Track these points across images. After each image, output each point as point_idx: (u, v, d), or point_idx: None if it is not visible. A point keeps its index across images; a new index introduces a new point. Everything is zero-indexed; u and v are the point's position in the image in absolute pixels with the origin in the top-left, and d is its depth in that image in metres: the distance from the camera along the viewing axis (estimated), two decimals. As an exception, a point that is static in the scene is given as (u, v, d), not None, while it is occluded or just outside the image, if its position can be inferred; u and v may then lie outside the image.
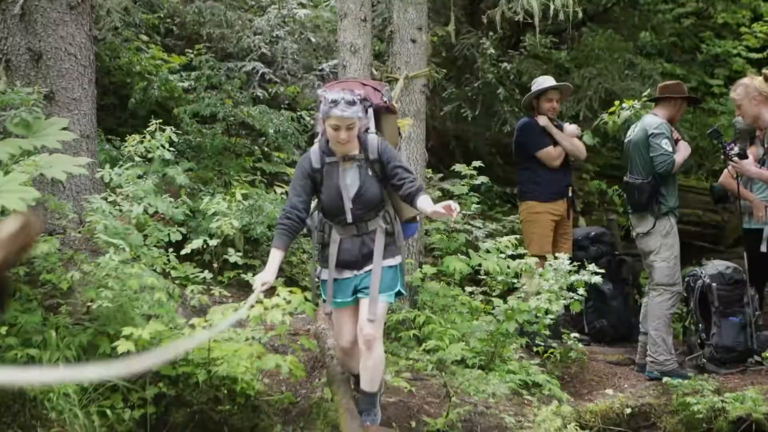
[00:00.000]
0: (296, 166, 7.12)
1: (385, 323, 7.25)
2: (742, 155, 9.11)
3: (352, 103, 6.52)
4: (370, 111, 6.92)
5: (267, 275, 6.74)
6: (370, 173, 6.82)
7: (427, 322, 8.91)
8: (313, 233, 7.21)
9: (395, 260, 6.94)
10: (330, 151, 6.84)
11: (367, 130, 6.89)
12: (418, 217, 7.64)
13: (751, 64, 14.94)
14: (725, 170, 9.90)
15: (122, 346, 7.07)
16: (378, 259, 6.77)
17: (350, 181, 6.81)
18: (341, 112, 6.49)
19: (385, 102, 7.10)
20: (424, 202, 6.61)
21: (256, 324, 7.71)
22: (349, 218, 6.82)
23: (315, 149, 6.98)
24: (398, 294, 7.09)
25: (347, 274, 6.94)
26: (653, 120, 9.56)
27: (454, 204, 6.43)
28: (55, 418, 7.07)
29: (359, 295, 6.87)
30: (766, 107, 8.73)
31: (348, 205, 6.79)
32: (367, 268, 6.84)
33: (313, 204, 7.14)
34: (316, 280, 7.20)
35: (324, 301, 7.20)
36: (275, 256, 6.82)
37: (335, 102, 6.50)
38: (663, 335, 9.51)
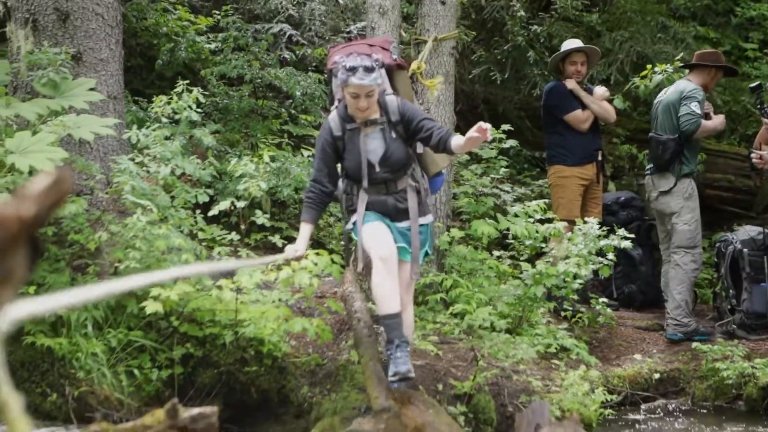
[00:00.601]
0: (317, 137, 7.01)
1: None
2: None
3: (371, 70, 6.38)
4: (383, 70, 6.77)
5: (299, 246, 6.76)
6: (394, 135, 6.69)
7: (455, 285, 8.90)
8: (341, 200, 7.09)
9: (426, 219, 6.88)
10: (350, 118, 6.71)
11: (384, 92, 6.78)
12: (444, 173, 7.62)
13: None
14: (759, 132, 9.84)
15: (150, 306, 7.08)
16: (414, 217, 6.70)
17: (375, 146, 6.71)
18: (360, 81, 6.34)
19: (395, 59, 7.01)
20: (458, 141, 6.46)
21: (284, 287, 7.70)
22: (372, 176, 6.68)
23: (334, 116, 6.83)
24: (425, 255, 7.02)
25: (380, 216, 6.78)
26: (688, 84, 9.55)
27: (485, 124, 6.23)
28: (83, 378, 7.09)
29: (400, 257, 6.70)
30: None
31: (376, 169, 6.68)
32: (400, 224, 6.76)
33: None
34: (349, 228, 6.96)
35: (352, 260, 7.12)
36: (304, 230, 6.83)
37: (354, 69, 6.34)
38: (686, 298, 9.54)
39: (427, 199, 6.94)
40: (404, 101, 6.80)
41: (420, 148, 6.91)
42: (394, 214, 6.76)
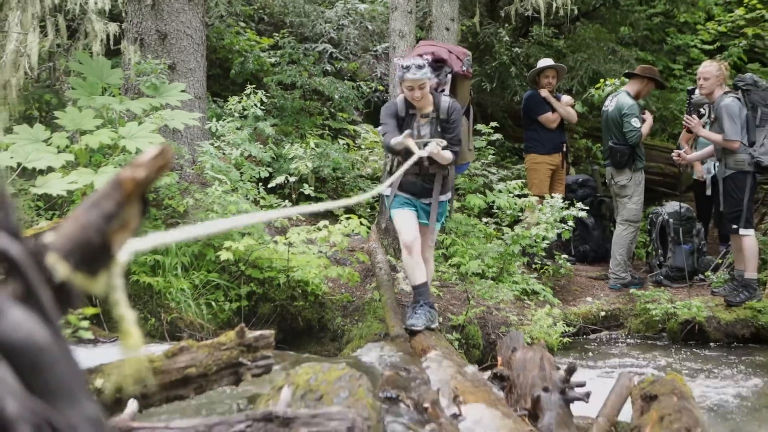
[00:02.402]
0: (383, 109, 6.65)
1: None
2: (699, 116, 9.14)
3: (421, 67, 6.19)
4: (449, 76, 6.64)
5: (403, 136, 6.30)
6: (439, 129, 6.46)
7: (453, 243, 8.94)
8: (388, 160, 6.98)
9: (446, 196, 6.72)
10: (411, 105, 6.47)
11: (442, 90, 6.60)
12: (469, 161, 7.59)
13: (704, 54, 14.74)
14: (682, 133, 9.91)
15: (223, 255, 7.11)
16: (436, 196, 6.53)
17: (424, 134, 6.48)
18: (412, 75, 6.18)
19: (464, 70, 6.74)
20: (446, 154, 6.33)
21: (323, 242, 7.72)
22: (426, 162, 6.36)
23: (401, 99, 6.54)
24: (441, 224, 6.97)
25: (410, 197, 6.59)
26: (625, 101, 9.56)
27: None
28: (174, 307, 7.13)
29: (421, 221, 6.62)
30: (719, 87, 8.64)
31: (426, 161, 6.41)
32: (424, 200, 6.61)
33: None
34: (384, 191, 6.72)
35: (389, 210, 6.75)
36: (407, 141, 6.29)
37: (407, 68, 6.19)
38: (624, 258, 9.63)
39: (451, 183, 6.77)
40: (456, 105, 6.50)
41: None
42: (420, 193, 6.58)
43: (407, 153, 6.21)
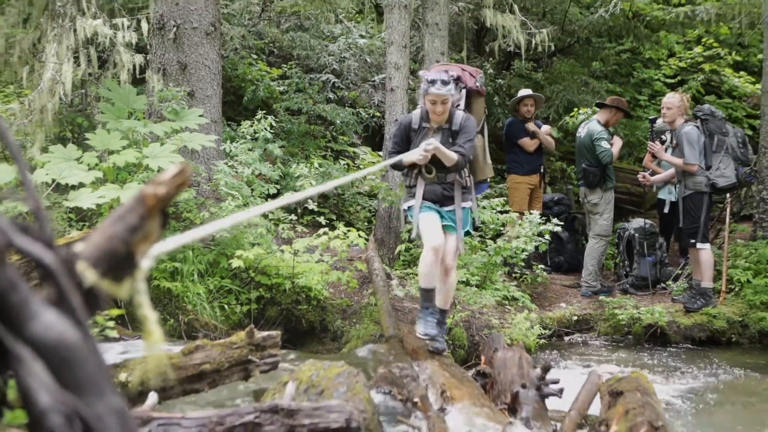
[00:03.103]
0: (396, 124, 6.27)
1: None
2: (662, 142, 9.17)
3: (446, 83, 5.80)
4: (464, 91, 6.19)
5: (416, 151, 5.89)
6: (451, 140, 5.99)
7: (441, 254, 8.93)
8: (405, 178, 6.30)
9: (467, 204, 6.16)
10: (427, 119, 6.02)
11: (457, 106, 6.14)
12: (488, 182, 7.47)
13: (667, 86, 14.80)
14: (646, 156, 9.94)
15: (235, 262, 7.11)
16: (458, 203, 6.08)
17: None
18: (437, 90, 5.79)
19: (477, 86, 6.33)
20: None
21: (324, 247, 7.73)
22: (430, 166, 5.98)
23: (416, 113, 6.12)
24: (467, 233, 6.34)
25: (431, 204, 6.08)
26: (595, 128, 9.60)
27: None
28: (191, 309, 7.12)
29: (444, 228, 6.06)
30: (681, 116, 8.68)
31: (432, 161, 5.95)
32: (446, 208, 6.10)
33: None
34: (405, 207, 6.26)
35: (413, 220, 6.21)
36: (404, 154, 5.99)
37: (433, 82, 5.80)
38: (595, 268, 9.61)
39: (471, 194, 6.25)
40: (470, 119, 6.09)
41: (470, 156, 6.18)
42: (442, 201, 6.08)
43: (412, 166, 6.02)
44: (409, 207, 6.18)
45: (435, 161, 5.95)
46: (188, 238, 1.43)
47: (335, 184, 2.78)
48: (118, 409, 1.04)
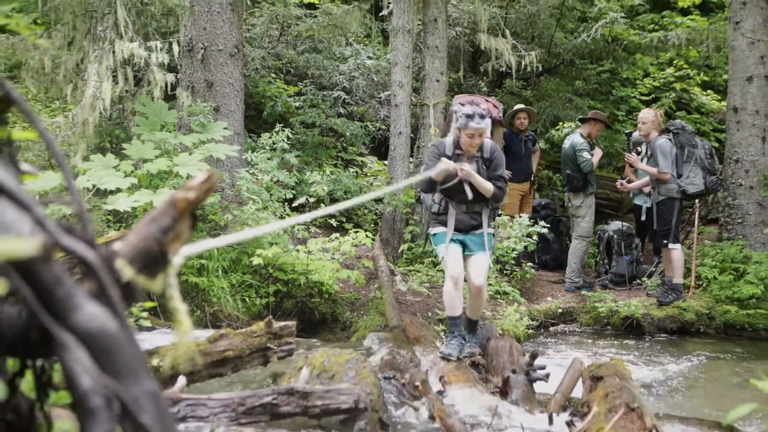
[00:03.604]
0: (428, 149, 5.82)
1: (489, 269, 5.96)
2: (638, 153, 9.13)
3: (483, 117, 5.47)
4: (490, 121, 5.77)
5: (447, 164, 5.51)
6: (484, 167, 5.64)
7: (440, 253, 8.91)
8: (428, 206, 5.96)
9: (491, 229, 5.86)
10: (459, 147, 5.65)
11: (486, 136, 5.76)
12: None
13: (642, 103, 14.76)
14: (627, 165, 9.91)
15: (255, 260, 7.12)
16: (486, 227, 5.72)
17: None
18: (477, 125, 5.43)
19: (499, 117, 6.03)
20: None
21: (335, 249, 7.72)
22: (470, 196, 5.59)
23: (450, 141, 5.71)
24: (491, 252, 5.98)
25: (456, 233, 5.70)
26: (577, 140, 9.58)
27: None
28: (215, 302, 7.13)
29: (470, 253, 5.73)
30: (655, 130, 8.68)
31: (468, 192, 5.58)
32: (472, 233, 5.74)
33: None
34: (432, 232, 5.87)
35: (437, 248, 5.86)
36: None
37: (471, 116, 5.44)
38: (578, 266, 9.56)
39: (495, 216, 6.00)
40: (497, 148, 5.75)
41: (506, 190, 5.89)
42: (468, 229, 5.71)
43: (443, 183, 5.62)
44: (435, 233, 5.84)
45: (474, 193, 5.63)
46: (223, 242, 1.43)
47: (370, 197, 2.78)
48: (152, 392, 1.04)
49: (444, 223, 5.75)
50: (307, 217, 2.21)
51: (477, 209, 5.73)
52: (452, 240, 5.71)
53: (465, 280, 5.83)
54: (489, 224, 5.82)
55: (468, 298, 5.82)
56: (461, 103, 5.88)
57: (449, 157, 5.60)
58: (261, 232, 1.72)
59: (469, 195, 5.60)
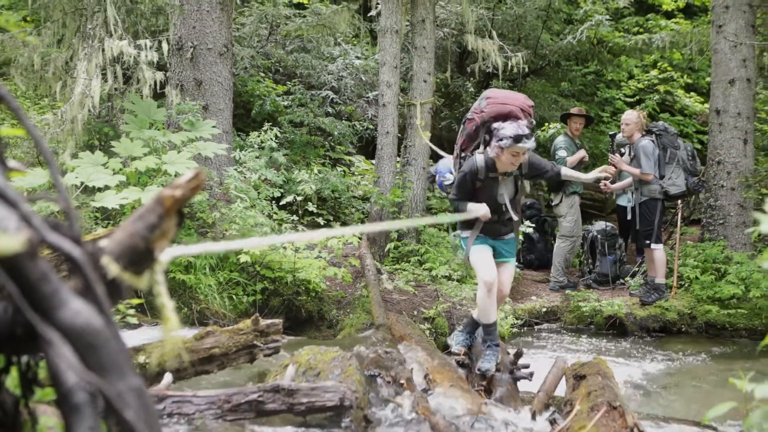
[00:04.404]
0: (461, 174, 5.30)
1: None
2: (621, 154, 9.16)
3: (530, 137, 5.06)
4: None
5: (482, 208, 5.22)
6: (521, 184, 5.37)
7: (426, 252, 8.91)
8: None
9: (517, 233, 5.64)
10: (493, 167, 5.20)
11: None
12: None
13: (626, 105, 14.83)
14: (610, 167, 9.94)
15: (243, 257, 7.11)
16: (516, 236, 5.55)
17: (506, 191, 5.31)
18: (524, 145, 5.02)
19: (533, 124, 5.31)
20: (568, 172, 5.57)
21: (322, 245, 7.72)
22: (499, 212, 5.32)
23: (480, 161, 5.22)
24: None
25: (485, 237, 5.38)
26: (559, 139, 9.73)
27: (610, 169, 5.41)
28: (203, 299, 7.10)
29: (500, 260, 5.45)
30: (638, 132, 8.72)
31: (509, 207, 5.32)
32: (503, 238, 5.45)
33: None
34: (461, 237, 5.55)
35: (458, 249, 5.74)
36: (470, 205, 5.27)
37: (518, 138, 5.01)
38: (562, 266, 9.59)
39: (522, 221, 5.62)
40: (532, 155, 5.37)
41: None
42: (498, 235, 5.40)
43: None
44: (465, 237, 5.51)
45: (514, 203, 5.39)
46: (219, 248, 1.43)
47: (425, 222, 2.78)
48: (137, 388, 1.04)
49: (472, 226, 5.42)
50: (353, 230, 2.21)
51: (506, 217, 5.41)
52: (484, 242, 5.41)
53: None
54: (516, 230, 5.60)
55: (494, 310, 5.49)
56: (501, 111, 5.28)
57: (481, 181, 5.24)
58: (278, 241, 1.71)
59: (514, 217, 5.39)
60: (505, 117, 5.20)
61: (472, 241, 5.39)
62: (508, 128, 5.07)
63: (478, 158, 5.24)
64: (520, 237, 8.70)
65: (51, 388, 1.06)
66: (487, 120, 5.27)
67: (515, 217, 5.42)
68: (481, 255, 5.36)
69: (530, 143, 5.07)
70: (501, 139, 5.06)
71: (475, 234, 5.37)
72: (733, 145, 9.39)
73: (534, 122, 5.43)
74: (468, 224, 5.43)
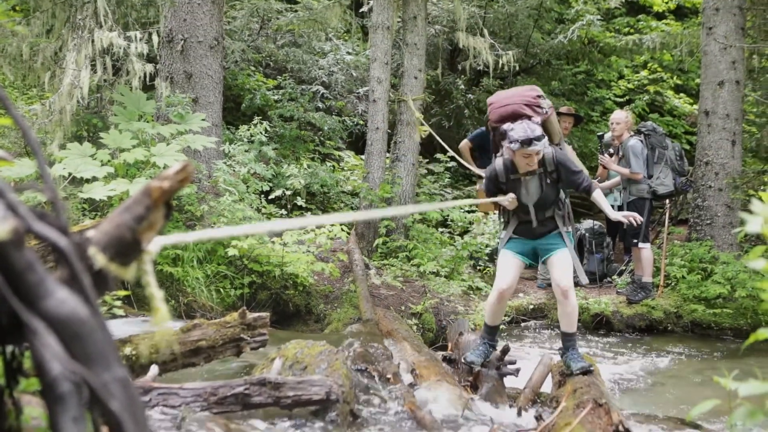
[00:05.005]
0: (487, 172, 5.25)
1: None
2: (610, 155, 9.17)
3: (539, 139, 4.88)
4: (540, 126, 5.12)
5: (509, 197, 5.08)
6: (548, 181, 5.05)
7: (415, 248, 8.91)
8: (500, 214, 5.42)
9: (569, 228, 5.17)
10: (513, 169, 5.07)
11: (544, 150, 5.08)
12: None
13: (616, 104, 14.87)
14: (600, 168, 9.94)
15: (231, 251, 7.10)
16: (562, 228, 5.08)
17: (532, 191, 5.06)
18: (533, 148, 4.86)
19: (546, 113, 5.24)
20: (598, 197, 5.16)
21: (311, 242, 7.70)
22: (534, 223, 5.10)
23: (500, 164, 5.13)
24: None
25: (523, 240, 5.19)
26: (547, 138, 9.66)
27: (634, 215, 5.15)
28: (190, 292, 7.08)
29: (548, 255, 5.13)
30: (627, 131, 8.75)
31: (532, 211, 5.08)
32: (544, 239, 5.14)
33: None
34: (499, 240, 5.38)
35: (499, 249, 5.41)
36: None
37: (527, 142, 4.85)
38: (550, 263, 9.60)
39: (571, 220, 5.24)
40: (558, 152, 5.13)
41: (591, 182, 5.24)
42: (538, 235, 5.14)
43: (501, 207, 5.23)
44: (502, 238, 5.33)
45: (540, 202, 5.11)
46: (205, 235, 1.43)
47: (426, 208, 2.77)
48: (123, 379, 1.04)
49: (506, 226, 5.27)
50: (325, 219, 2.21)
51: (546, 215, 5.14)
52: (517, 248, 5.21)
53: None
54: (567, 224, 5.20)
55: (557, 305, 5.23)
56: (504, 114, 5.22)
57: (504, 184, 5.12)
58: (261, 229, 1.69)
59: (534, 222, 5.12)
60: (511, 117, 5.13)
61: (504, 243, 5.23)
62: (516, 130, 4.94)
63: (498, 162, 5.17)
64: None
65: (36, 379, 1.05)
66: (494, 126, 5.24)
67: (551, 214, 5.13)
68: (504, 260, 5.22)
69: (540, 145, 4.90)
70: (511, 142, 4.94)
71: (509, 235, 5.21)
72: (721, 146, 9.43)
73: (547, 111, 5.29)
74: (505, 224, 5.30)
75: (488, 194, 5.27)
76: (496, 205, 5.35)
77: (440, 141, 9.58)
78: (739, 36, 9.42)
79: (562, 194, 5.19)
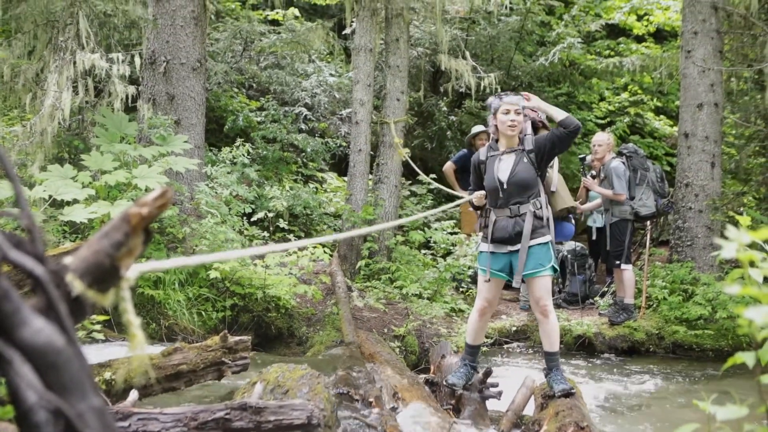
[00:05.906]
0: (471, 161, 5.36)
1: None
2: (593, 177, 9.23)
3: (516, 96, 5.11)
4: (529, 121, 5.25)
5: (478, 193, 5.24)
6: (525, 160, 5.07)
7: (397, 269, 8.91)
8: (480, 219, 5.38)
9: (544, 239, 5.06)
10: (495, 147, 5.22)
11: (526, 135, 5.17)
12: (573, 224, 6.81)
13: (598, 126, 14.98)
14: (581, 188, 9.99)
15: (213, 273, 7.05)
16: (526, 239, 5.01)
17: (506, 167, 5.09)
18: (510, 99, 5.04)
19: (541, 121, 5.41)
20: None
21: (293, 264, 7.69)
22: (501, 194, 5.07)
23: (483, 149, 5.32)
24: (554, 269, 5.10)
25: (502, 249, 5.12)
26: None
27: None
28: (171, 315, 7.04)
29: (526, 274, 5.06)
30: (609, 153, 8.83)
31: (504, 186, 5.05)
32: (514, 245, 5.07)
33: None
34: (482, 251, 5.30)
35: (478, 269, 5.50)
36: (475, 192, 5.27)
37: (505, 94, 5.14)
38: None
39: (549, 227, 5.11)
40: (541, 135, 5.24)
41: (553, 186, 5.36)
42: (514, 239, 5.05)
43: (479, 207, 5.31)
44: (481, 251, 5.31)
45: (513, 178, 5.09)
46: (191, 262, 1.43)
47: (412, 219, 2.77)
48: (99, 409, 1.03)
49: (486, 237, 5.22)
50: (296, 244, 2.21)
51: (521, 211, 5.07)
52: (493, 263, 5.18)
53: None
54: (544, 232, 5.09)
55: (538, 325, 5.23)
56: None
57: (484, 163, 5.22)
58: (244, 254, 1.69)
59: (508, 212, 5.11)
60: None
61: (484, 260, 5.23)
62: (498, 94, 5.23)
63: (482, 148, 5.40)
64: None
65: (11, 406, 1.04)
66: (489, 103, 5.36)
67: (526, 209, 5.07)
68: (482, 278, 5.28)
69: (515, 98, 5.11)
70: (493, 109, 5.17)
71: (489, 247, 5.18)
72: (700, 168, 9.53)
73: (542, 118, 5.42)
74: (483, 233, 5.29)
75: (474, 179, 5.36)
76: (479, 218, 5.38)
77: (414, 167, 9.63)
78: (717, 59, 9.55)
79: (540, 188, 5.15)
